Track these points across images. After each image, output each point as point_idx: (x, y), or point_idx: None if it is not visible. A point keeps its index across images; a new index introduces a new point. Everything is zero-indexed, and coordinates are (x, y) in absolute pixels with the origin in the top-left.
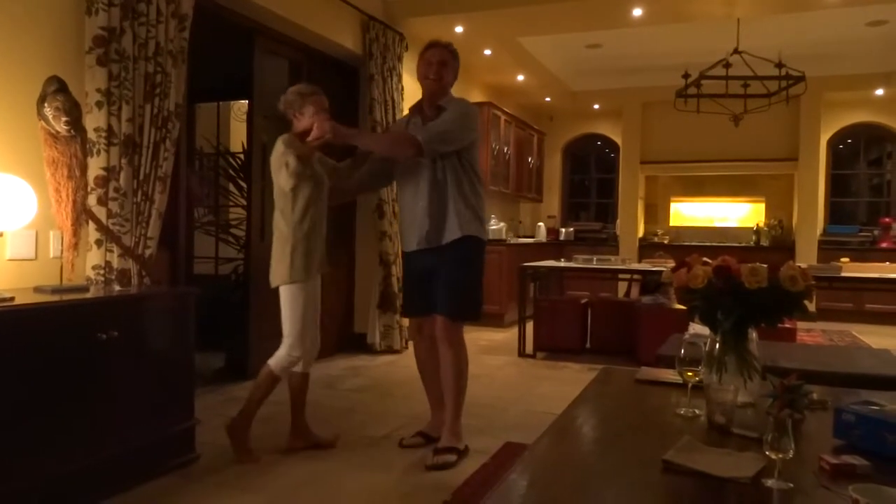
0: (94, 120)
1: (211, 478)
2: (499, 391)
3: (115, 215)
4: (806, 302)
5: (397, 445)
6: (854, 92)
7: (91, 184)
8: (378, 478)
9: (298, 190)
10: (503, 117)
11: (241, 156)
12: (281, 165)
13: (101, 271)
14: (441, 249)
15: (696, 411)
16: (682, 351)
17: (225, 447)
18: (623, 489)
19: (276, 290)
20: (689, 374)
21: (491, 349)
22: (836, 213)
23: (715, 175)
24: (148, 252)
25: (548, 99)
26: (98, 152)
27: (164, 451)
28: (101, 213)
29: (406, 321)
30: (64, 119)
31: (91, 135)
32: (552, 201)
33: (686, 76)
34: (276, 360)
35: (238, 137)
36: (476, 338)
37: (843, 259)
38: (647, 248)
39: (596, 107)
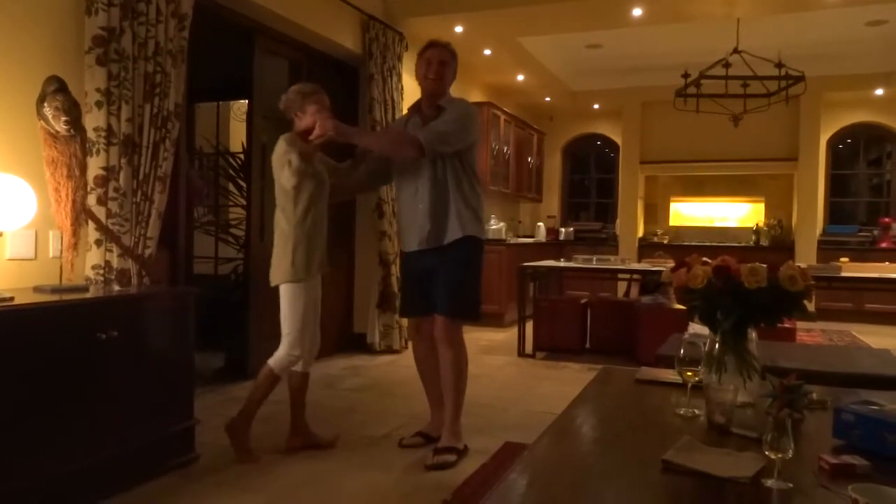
0: (93, 120)
1: (211, 478)
2: (498, 391)
3: (115, 215)
4: (805, 302)
5: (397, 445)
6: (854, 92)
7: (91, 183)
8: (378, 478)
9: (300, 189)
10: (503, 117)
11: (241, 156)
12: (283, 164)
13: (101, 271)
14: (442, 249)
15: (696, 411)
16: (682, 351)
17: (225, 447)
18: (623, 489)
19: (277, 289)
20: (689, 373)
21: (491, 349)
22: (835, 213)
23: (714, 175)
24: (147, 252)
25: (548, 99)
26: (97, 152)
27: (164, 450)
28: (100, 212)
29: (405, 321)
30: (63, 119)
31: (91, 134)
32: (552, 201)
33: (686, 76)
34: (276, 360)
35: (238, 137)
36: (476, 338)
37: (842, 259)
38: (647, 247)
39: (596, 107)
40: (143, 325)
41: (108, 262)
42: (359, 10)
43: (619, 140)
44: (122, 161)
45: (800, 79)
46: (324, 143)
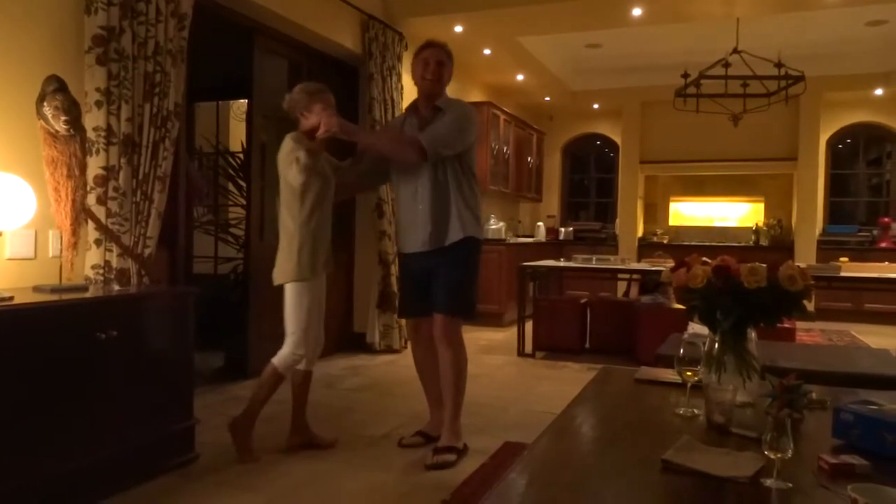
0: (93, 119)
1: (211, 477)
2: (498, 391)
3: (115, 215)
4: (805, 302)
5: (397, 445)
6: (853, 92)
7: (90, 183)
8: (378, 477)
9: (307, 187)
10: (503, 117)
11: (241, 155)
12: (290, 162)
13: (101, 271)
14: (442, 250)
15: (695, 411)
16: (682, 350)
17: (224, 447)
18: (622, 489)
19: (277, 288)
20: (689, 373)
21: (490, 349)
22: (835, 213)
23: (714, 175)
24: (147, 251)
25: (547, 98)
26: (97, 151)
27: (164, 450)
28: (100, 212)
29: (405, 321)
30: (63, 118)
31: (90, 134)
32: (551, 201)
33: (685, 76)
34: (281, 359)
35: (237, 137)
36: (475, 337)
37: (842, 259)
38: (647, 247)
39: (595, 106)
40: (143, 325)
41: (107, 262)
42: (358, 9)
43: (618, 140)
44: (122, 161)
45: (799, 78)
46: (327, 141)
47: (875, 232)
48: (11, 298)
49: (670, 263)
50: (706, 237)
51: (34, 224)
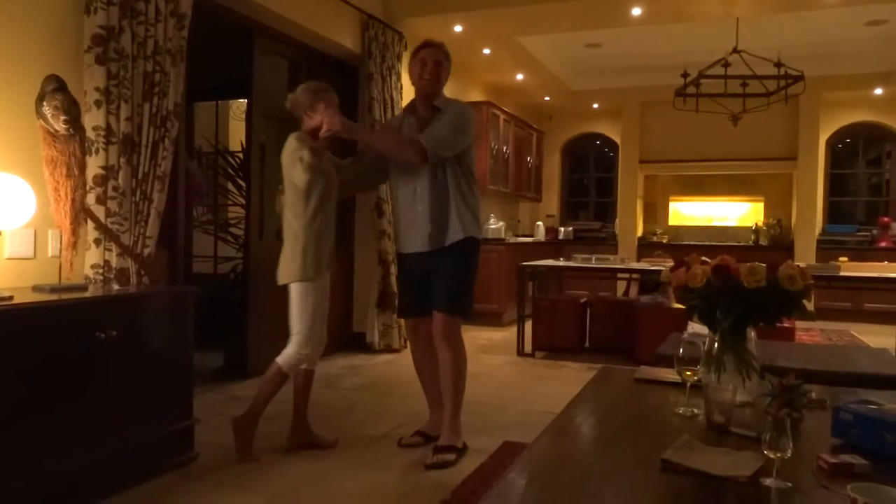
0: (92, 119)
1: (210, 477)
2: (498, 390)
3: (114, 214)
4: (804, 301)
5: (396, 444)
6: (853, 91)
7: (90, 182)
8: (378, 477)
9: (312, 187)
10: (502, 116)
11: (240, 155)
12: (294, 161)
13: (100, 270)
14: (442, 250)
15: (695, 410)
16: (681, 350)
17: (224, 446)
18: (622, 488)
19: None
20: (688, 373)
21: (490, 348)
22: (834, 213)
23: (714, 174)
24: (147, 251)
25: (547, 98)
26: (97, 151)
27: (163, 450)
28: (99, 211)
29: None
30: (62, 118)
31: (90, 133)
32: (551, 200)
33: (685, 75)
34: (285, 358)
35: (237, 136)
36: (475, 337)
37: (841, 258)
38: (646, 247)
39: (595, 106)
40: (143, 325)
41: (107, 262)
42: (358, 9)
43: (618, 139)
44: (122, 160)
45: (799, 78)
46: (331, 137)
47: (874, 231)
48: (11, 298)
49: (670, 263)
50: (706, 237)
51: (33, 223)
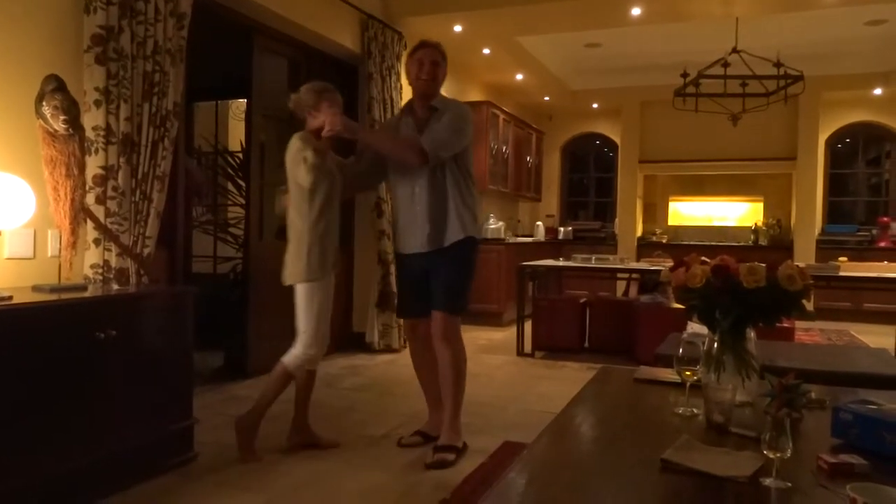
0: (92, 118)
1: (210, 477)
2: (497, 390)
3: (114, 214)
4: (804, 301)
5: (396, 444)
6: (852, 91)
7: (89, 182)
8: (377, 477)
9: (317, 187)
10: (502, 116)
11: (240, 155)
12: (298, 162)
13: (100, 270)
14: (442, 251)
15: (695, 410)
16: (681, 350)
17: (224, 446)
18: (621, 488)
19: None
20: (688, 373)
21: (490, 348)
22: (834, 213)
23: (713, 174)
24: (146, 251)
25: (547, 98)
26: (96, 151)
27: (163, 449)
28: (99, 211)
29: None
30: (62, 118)
31: (89, 133)
32: (551, 200)
33: (685, 75)
34: (292, 358)
35: (236, 136)
36: (475, 337)
37: (841, 258)
38: (646, 247)
39: (595, 106)
40: (142, 325)
41: (106, 262)
42: (358, 9)
43: (618, 139)
44: (121, 160)
45: (798, 78)
46: (332, 140)
47: (874, 231)
48: (10, 298)
49: (669, 263)
50: (705, 237)
51: (33, 223)
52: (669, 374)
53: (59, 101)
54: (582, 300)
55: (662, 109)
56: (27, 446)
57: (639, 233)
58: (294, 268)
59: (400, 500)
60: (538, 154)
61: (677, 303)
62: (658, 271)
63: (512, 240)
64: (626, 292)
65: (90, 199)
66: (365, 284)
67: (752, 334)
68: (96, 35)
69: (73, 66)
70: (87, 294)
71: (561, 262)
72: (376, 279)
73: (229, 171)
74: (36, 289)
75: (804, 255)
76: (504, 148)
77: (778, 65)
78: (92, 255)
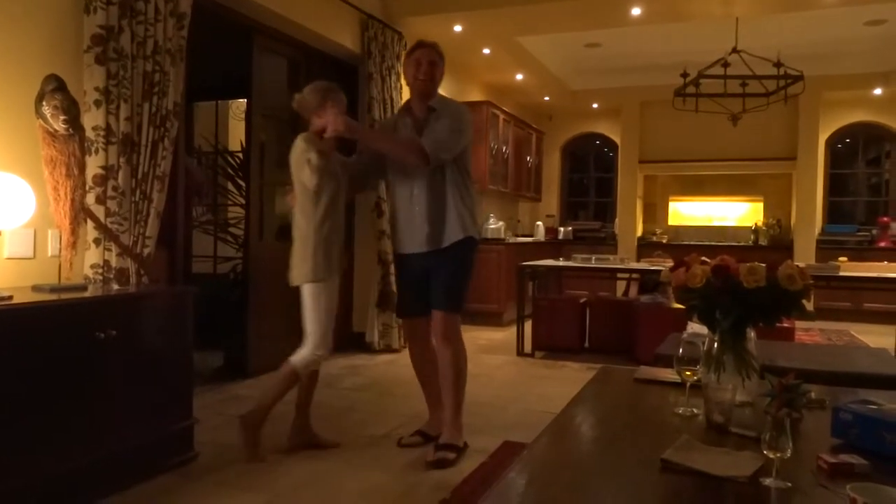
0: (92, 118)
1: (210, 477)
2: (497, 390)
3: (114, 214)
4: (804, 301)
5: (396, 444)
6: (852, 91)
7: (89, 182)
8: (378, 477)
9: (322, 188)
10: (502, 116)
11: (240, 154)
12: (303, 163)
13: (100, 270)
14: (441, 250)
15: (695, 410)
16: (681, 350)
17: (224, 446)
18: (621, 488)
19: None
20: (688, 373)
21: (490, 348)
22: (834, 213)
23: (713, 174)
24: (146, 251)
25: (547, 98)
26: (96, 151)
27: (163, 449)
28: (99, 211)
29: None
30: (62, 117)
31: (89, 133)
32: (551, 200)
33: (685, 75)
34: (300, 358)
35: (236, 136)
36: (475, 337)
37: (841, 258)
38: (646, 247)
39: (595, 106)
40: (142, 324)
41: (106, 261)
42: (358, 9)
43: (618, 139)
44: (121, 160)
45: (798, 78)
46: (336, 140)
47: (874, 231)
48: (10, 298)
49: (669, 263)
50: (705, 237)
51: (33, 223)
52: (669, 374)
53: (59, 101)
54: (582, 300)
55: (662, 109)
56: (27, 446)
57: (639, 233)
58: (300, 269)
59: (400, 500)
60: (538, 154)
61: (677, 303)
62: (658, 271)
63: (512, 240)
64: (626, 292)
65: (90, 198)
66: (365, 284)
67: (752, 334)
68: (96, 35)
69: (73, 65)
70: (87, 294)
71: (561, 262)
72: (376, 279)
73: (229, 170)
74: (36, 289)
75: (804, 255)
76: (504, 148)
77: (778, 65)
78: (92, 255)
